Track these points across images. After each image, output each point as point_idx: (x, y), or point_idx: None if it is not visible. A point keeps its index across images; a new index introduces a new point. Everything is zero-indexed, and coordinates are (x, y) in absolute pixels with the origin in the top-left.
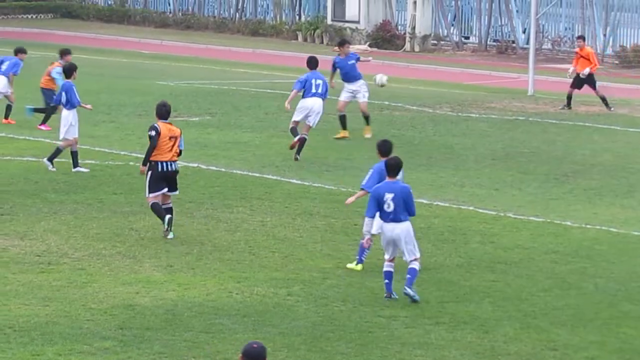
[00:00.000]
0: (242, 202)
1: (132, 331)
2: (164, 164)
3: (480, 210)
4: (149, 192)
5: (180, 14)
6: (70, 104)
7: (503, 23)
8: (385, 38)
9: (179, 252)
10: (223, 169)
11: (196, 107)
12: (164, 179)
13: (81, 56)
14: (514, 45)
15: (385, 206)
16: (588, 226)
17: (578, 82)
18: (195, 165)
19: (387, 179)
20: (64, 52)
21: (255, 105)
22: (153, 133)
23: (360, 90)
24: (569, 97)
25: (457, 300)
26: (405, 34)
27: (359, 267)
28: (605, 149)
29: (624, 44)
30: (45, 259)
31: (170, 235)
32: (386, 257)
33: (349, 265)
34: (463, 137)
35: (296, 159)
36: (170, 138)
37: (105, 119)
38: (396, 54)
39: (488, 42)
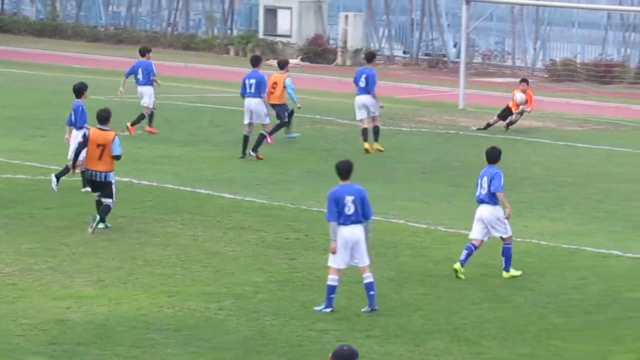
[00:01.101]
0: (173, 216)
1: (63, 346)
2: (91, 173)
3: (411, 224)
4: (83, 188)
5: (112, 28)
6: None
7: (434, 37)
8: (317, 52)
9: (110, 267)
10: (155, 184)
11: (128, 121)
12: (91, 184)
13: (13, 70)
14: (445, 59)
15: (346, 209)
16: (518, 239)
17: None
18: (127, 179)
19: (342, 182)
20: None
21: (187, 119)
22: (81, 139)
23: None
24: (490, 125)
25: (389, 314)
26: (337, 47)
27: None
28: (535, 162)
29: (554, 58)
30: None
31: (90, 230)
32: (334, 266)
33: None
34: (394, 151)
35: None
36: (98, 145)
37: (37, 134)
38: (328, 67)
39: (419, 56)
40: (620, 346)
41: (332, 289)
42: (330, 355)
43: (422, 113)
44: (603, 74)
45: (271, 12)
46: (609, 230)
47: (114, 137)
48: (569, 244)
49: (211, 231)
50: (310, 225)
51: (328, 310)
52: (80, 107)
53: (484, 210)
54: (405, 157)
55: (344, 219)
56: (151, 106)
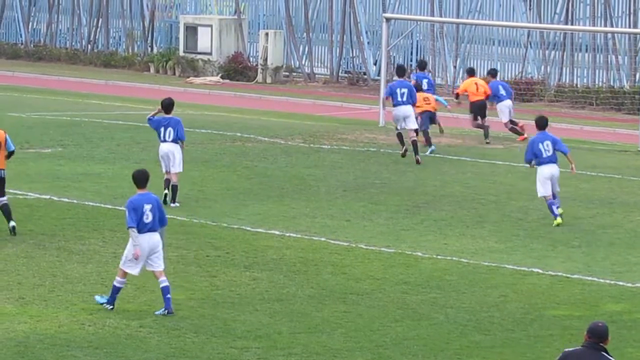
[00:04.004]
0: (94, 233)
1: None
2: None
3: (332, 242)
4: None
5: (32, 45)
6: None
7: (354, 55)
8: (237, 70)
9: (30, 284)
10: (75, 201)
11: (48, 138)
12: None
13: None
14: (365, 76)
15: (145, 217)
16: (439, 257)
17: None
18: (47, 197)
19: (139, 191)
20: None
21: (107, 136)
22: None
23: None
24: (481, 127)
25: (310, 331)
26: (257, 65)
27: None
28: (455, 180)
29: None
30: None
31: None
32: (129, 270)
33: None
34: (315, 169)
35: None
36: None
37: None
38: (248, 85)
39: (339, 74)
40: None
41: (118, 290)
42: (586, 333)
43: (342, 131)
44: (523, 92)
45: (192, 30)
46: (529, 247)
47: (6, 134)
48: (490, 262)
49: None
50: (231, 243)
51: (109, 307)
52: (179, 122)
53: (554, 169)
54: (326, 175)
55: (142, 227)
56: None
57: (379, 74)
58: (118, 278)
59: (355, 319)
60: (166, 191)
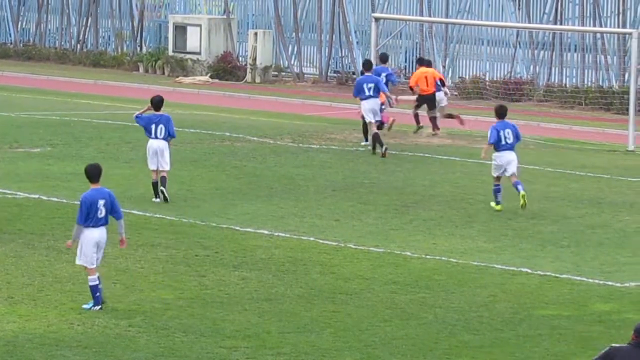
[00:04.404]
0: None
1: None
2: None
3: (321, 242)
4: None
5: (21, 45)
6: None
7: (344, 55)
8: (227, 70)
9: (20, 284)
10: (65, 200)
11: (37, 138)
12: None
13: None
14: (354, 76)
15: (99, 212)
16: (428, 257)
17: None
18: (37, 196)
19: (93, 187)
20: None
21: (97, 136)
22: None
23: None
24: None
25: (299, 331)
26: (246, 65)
27: None
28: (445, 180)
29: (464, 76)
30: None
31: None
32: (88, 265)
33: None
34: (304, 169)
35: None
36: None
37: None
38: (237, 85)
39: (329, 74)
40: None
41: (96, 288)
42: (632, 334)
43: (331, 131)
44: (512, 92)
45: (181, 30)
46: (518, 248)
47: None
48: (479, 262)
49: (121, 248)
50: (220, 243)
51: (97, 308)
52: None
53: (511, 156)
54: (315, 175)
55: (95, 222)
56: None
57: None
58: (89, 277)
59: (344, 318)
60: (158, 199)
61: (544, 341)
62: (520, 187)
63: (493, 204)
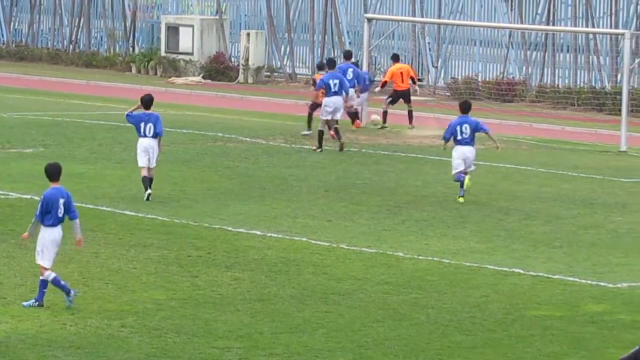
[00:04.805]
0: None
1: None
2: None
3: (314, 242)
4: None
5: (13, 45)
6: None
7: (336, 55)
8: (219, 70)
9: (12, 284)
10: None
11: (30, 138)
12: None
13: None
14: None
15: (59, 211)
16: (420, 257)
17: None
18: (29, 196)
19: (53, 185)
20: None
21: (89, 136)
22: None
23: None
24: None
25: (291, 331)
26: (238, 65)
27: None
28: (437, 180)
29: (456, 76)
30: None
31: None
32: (44, 264)
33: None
34: (296, 169)
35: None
36: None
37: None
38: (230, 85)
39: None
40: None
41: (45, 284)
42: None
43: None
44: (505, 92)
45: (173, 30)
46: (510, 248)
47: None
48: (471, 262)
49: (113, 248)
50: (212, 243)
51: (37, 304)
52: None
53: (468, 150)
54: (308, 175)
55: (54, 220)
56: None
57: None
58: (45, 273)
59: (337, 319)
60: (149, 191)
61: (536, 341)
62: (467, 176)
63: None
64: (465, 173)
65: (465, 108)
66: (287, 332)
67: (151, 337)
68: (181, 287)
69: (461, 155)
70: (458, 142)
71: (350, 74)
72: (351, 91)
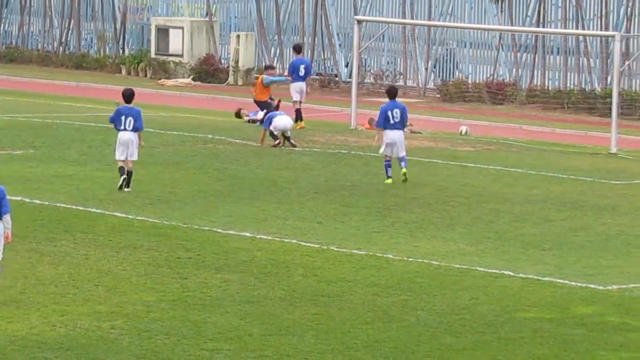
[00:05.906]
0: (65, 235)
1: None
2: None
3: (304, 244)
4: None
5: (3, 47)
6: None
7: (326, 57)
8: (209, 72)
9: (2, 286)
10: (47, 203)
11: (20, 140)
12: None
13: None
14: (336, 79)
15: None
16: (410, 259)
17: None
18: (19, 198)
19: None
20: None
21: (79, 138)
22: None
23: None
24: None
25: (281, 333)
26: (228, 67)
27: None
28: (427, 182)
29: (446, 78)
30: None
31: None
32: None
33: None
34: (286, 171)
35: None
36: None
37: None
38: (220, 87)
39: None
40: None
41: None
42: None
43: (313, 133)
44: (495, 94)
45: (163, 32)
46: (500, 250)
47: None
48: (460, 264)
49: (103, 250)
50: (202, 245)
51: None
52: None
53: (397, 134)
54: (297, 177)
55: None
56: None
57: (350, 76)
58: None
59: (326, 321)
60: (124, 176)
61: (525, 344)
62: (403, 163)
63: (386, 180)
64: (401, 160)
65: (393, 93)
66: (277, 334)
67: (141, 338)
68: (171, 289)
69: (391, 139)
70: (389, 127)
71: (302, 70)
72: (303, 85)
